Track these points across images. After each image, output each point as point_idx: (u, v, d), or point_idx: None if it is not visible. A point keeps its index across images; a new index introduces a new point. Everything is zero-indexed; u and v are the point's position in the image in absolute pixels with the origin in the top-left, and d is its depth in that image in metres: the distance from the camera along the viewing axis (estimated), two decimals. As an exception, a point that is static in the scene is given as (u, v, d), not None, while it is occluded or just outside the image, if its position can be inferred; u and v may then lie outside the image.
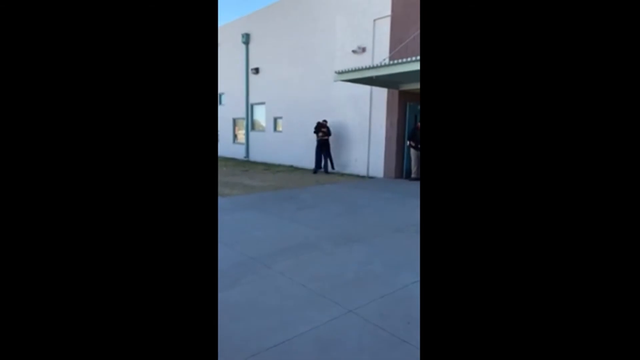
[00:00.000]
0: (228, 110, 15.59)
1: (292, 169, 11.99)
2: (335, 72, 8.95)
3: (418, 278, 3.30)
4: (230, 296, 2.95)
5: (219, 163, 12.76)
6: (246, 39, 14.19)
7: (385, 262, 3.77)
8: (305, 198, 7.00)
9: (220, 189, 7.66)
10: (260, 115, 14.22)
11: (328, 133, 10.69)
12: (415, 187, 8.35)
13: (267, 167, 12.23)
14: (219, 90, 15.92)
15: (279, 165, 12.69)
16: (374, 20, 9.68)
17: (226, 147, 15.92)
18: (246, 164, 12.90)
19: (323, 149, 10.73)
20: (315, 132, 10.81)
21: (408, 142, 9.46)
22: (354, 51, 10.33)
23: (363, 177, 10.19)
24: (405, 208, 6.33)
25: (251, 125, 14.61)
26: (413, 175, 9.42)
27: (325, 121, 10.90)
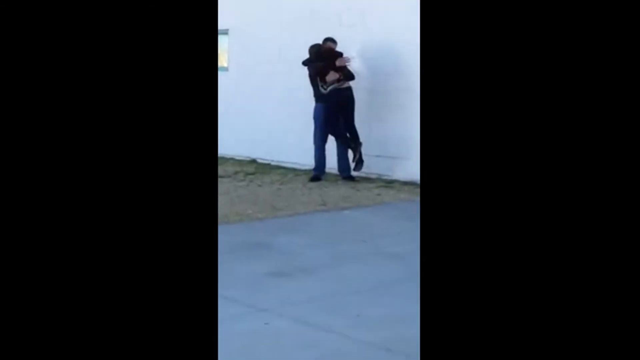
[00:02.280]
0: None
1: (260, 168, 10.41)
2: None
3: None
4: None
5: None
6: None
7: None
8: (291, 245, 6.07)
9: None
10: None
11: (349, 75, 8.84)
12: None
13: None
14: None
15: (229, 160, 11.22)
16: None
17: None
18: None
19: (336, 116, 8.90)
20: (312, 71, 8.95)
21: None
22: None
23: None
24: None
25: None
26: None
27: (333, 41, 8.88)
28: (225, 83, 10.21)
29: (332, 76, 8.66)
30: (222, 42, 11.96)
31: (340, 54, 8.84)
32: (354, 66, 9.16)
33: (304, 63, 8.95)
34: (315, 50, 8.91)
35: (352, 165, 9.05)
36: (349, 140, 8.90)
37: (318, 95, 8.90)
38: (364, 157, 9.06)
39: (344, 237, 6.28)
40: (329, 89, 8.76)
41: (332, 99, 8.82)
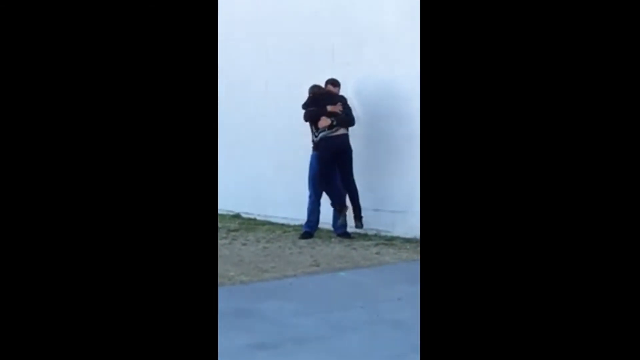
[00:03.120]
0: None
1: (244, 224, 10.40)
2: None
3: None
4: None
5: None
6: None
7: None
8: (279, 313, 5.94)
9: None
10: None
11: (348, 120, 8.96)
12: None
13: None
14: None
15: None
16: None
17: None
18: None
19: (328, 168, 8.99)
20: (305, 116, 8.95)
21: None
22: None
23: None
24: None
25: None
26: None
27: (333, 83, 9.04)
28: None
29: (323, 122, 8.72)
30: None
31: (341, 98, 8.89)
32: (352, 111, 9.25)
33: (303, 106, 8.99)
34: (312, 92, 8.93)
35: (354, 219, 8.88)
36: (337, 202, 8.79)
37: (313, 143, 8.95)
38: (360, 209, 9.02)
39: (339, 302, 6.24)
40: (319, 136, 8.81)
41: (325, 148, 8.81)
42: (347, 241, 8.69)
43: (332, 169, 8.86)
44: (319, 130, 8.79)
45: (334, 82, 8.91)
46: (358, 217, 8.83)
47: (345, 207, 8.84)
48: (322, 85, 9.16)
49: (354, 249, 8.50)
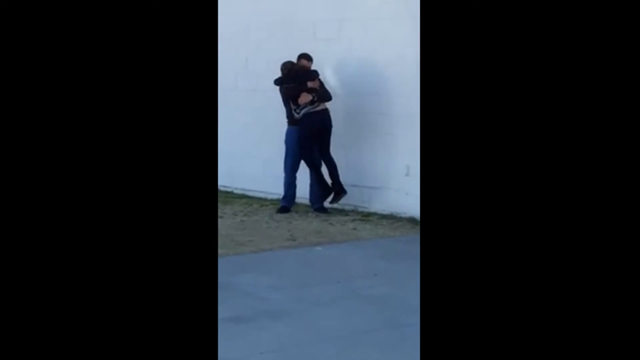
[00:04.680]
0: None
1: (221, 197, 9.84)
2: None
3: None
4: None
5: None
6: None
7: None
8: (255, 286, 5.99)
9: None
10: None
11: (325, 96, 8.90)
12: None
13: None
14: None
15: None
16: None
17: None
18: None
19: (310, 142, 8.94)
20: (283, 93, 8.90)
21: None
22: None
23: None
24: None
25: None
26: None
27: (307, 58, 8.90)
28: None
29: (304, 98, 8.64)
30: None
31: (315, 73, 8.80)
32: (330, 85, 9.11)
33: (276, 82, 8.90)
34: (287, 68, 8.79)
35: (330, 195, 8.85)
36: (328, 167, 8.74)
37: (291, 118, 8.88)
38: (340, 185, 8.99)
39: (315, 277, 6.30)
40: (301, 112, 8.76)
41: (306, 123, 8.75)
42: (324, 216, 8.68)
43: (312, 143, 8.79)
44: (301, 107, 8.69)
45: (307, 57, 8.77)
46: (337, 195, 8.81)
47: (343, 192, 8.74)
48: (294, 61, 9.04)
49: (331, 224, 8.49)
